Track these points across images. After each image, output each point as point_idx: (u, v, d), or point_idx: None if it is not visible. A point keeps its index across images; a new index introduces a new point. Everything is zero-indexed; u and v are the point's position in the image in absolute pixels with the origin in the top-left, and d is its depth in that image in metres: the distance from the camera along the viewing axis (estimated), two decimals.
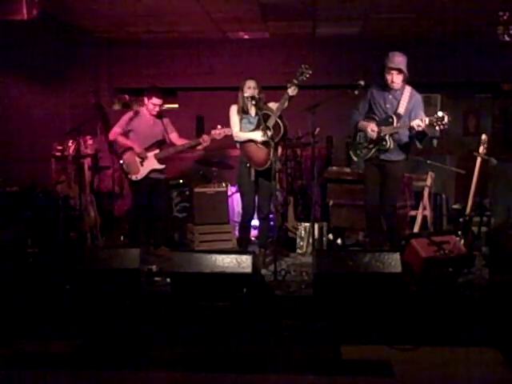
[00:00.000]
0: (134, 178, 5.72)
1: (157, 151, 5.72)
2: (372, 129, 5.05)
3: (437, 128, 4.68)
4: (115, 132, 5.72)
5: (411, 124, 4.80)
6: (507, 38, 5.84)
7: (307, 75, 4.95)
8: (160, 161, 5.73)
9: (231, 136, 5.37)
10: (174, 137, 5.82)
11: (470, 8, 6.48)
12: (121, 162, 5.79)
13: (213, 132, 5.43)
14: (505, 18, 5.71)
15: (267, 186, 5.24)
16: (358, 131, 5.23)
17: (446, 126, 4.62)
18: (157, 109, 5.67)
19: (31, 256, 5.16)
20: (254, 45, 8.24)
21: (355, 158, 5.33)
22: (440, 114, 4.61)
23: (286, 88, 5.01)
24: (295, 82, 4.95)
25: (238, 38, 8.15)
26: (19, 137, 6.45)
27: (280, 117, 5.10)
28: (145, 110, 5.74)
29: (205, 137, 5.52)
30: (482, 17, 6.57)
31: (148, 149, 5.70)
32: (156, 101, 5.63)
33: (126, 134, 5.72)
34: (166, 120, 5.83)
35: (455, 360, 3.62)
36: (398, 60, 4.93)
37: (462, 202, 6.06)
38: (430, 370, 3.49)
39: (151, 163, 5.70)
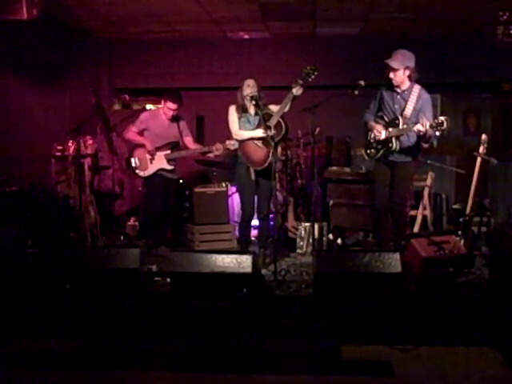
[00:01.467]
0: (141, 173, 5.81)
1: (168, 152, 5.78)
2: (378, 130, 5.07)
3: (437, 133, 4.68)
4: (131, 130, 5.81)
5: (413, 128, 4.80)
6: (507, 38, 5.84)
7: (313, 76, 4.91)
8: (170, 161, 5.79)
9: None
10: (188, 140, 5.89)
11: (469, 8, 6.48)
12: (131, 158, 5.84)
13: (227, 142, 5.44)
14: (505, 17, 5.71)
15: (266, 185, 5.24)
16: (368, 131, 5.25)
17: (445, 132, 4.62)
18: (171, 113, 5.72)
19: (31, 256, 5.15)
20: (254, 45, 8.25)
21: (366, 157, 5.34)
22: (440, 119, 4.60)
23: (287, 88, 5.00)
24: (300, 82, 4.94)
25: (238, 37, 8.15)
26: (19, 137, 6.45)
27: (282, 117, 5.10)
28: (161, 111, 5.80)
29: (218, 145, 5.55)
30: (482, 17, 6.57)
31: (159, 148, 5.76)
32: (171, 105, 5.67)
33: (140, 132, 5.81)
34: (182, 123, 5.89)
35: (455, 360, 3.61)
36: (395, 57, 4.95)
37: (462, 201, 6.06)
38: (430, 369, 3.48)
39: (160, 162, 5.77)
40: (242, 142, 5.28)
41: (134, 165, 5.82)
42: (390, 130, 5.02)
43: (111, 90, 8.67)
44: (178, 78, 8.32)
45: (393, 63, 4.94)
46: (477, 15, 6.72)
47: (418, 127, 4.72)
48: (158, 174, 5.78)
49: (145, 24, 7.36)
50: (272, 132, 5.01)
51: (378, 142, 5.12)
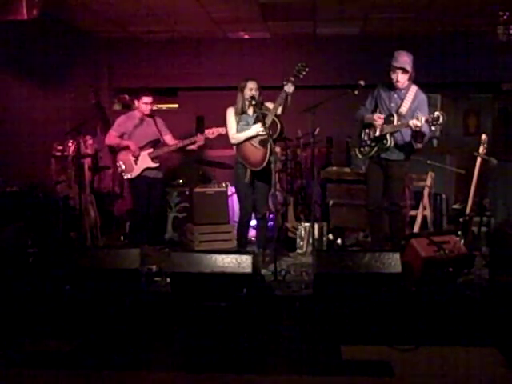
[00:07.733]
0: (128, 176, 5.85)
1: (150, 150, 5.84)
2: (378, 116, 5.03)
3: (432, 128, 4.69)
4: (111, 135, 5.90)
5: (409, 123, 4.79)
6: (507, 38, 5.85)
7: (304, 73, 4.92)
8: (154, 159, 5.84)
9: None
10: (168, 138, 5.96)
11: (469, 8, 6.48)
12: (117, 163, 5.93)
13: (206, 131, 5.60)
14: (505, 17, 5.72)
15: (264, 186, 5.23)
16: (363, 127, 5.23)
17: (441, 126, 4.61)
18: (149, 107, 5.82)
19: (31, 256, 5.15)
20: (254, 45, 8.25)
21: (359, 156, 5.33)
22: (436, 113, 4.61)
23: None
24: (292, 79, 4.94)
25: (238, 37, 8.15)
26: (19, 137, 6.44)
27: (277, 116, 5.09)
28: (137, 112, 5.88)
29: (199, 136, 5.70)
30: (482, 17, 6.57)
31: (142, 148, 5.82)
32: (146, 99, 5.78)
33: (121, 136, 5.88)
34: (159, 121, 5.97)
35: (455, 360, 3.62)
36: (403, 59, 4.93)
37: (462, 201, 6.06)
38: (430, 370, 3.49)
39: (145, 162, 5.82)
40: (239, 143, 5.27)
41: (120, 168, 5.88)
42: (385, 126, 5.01)
43: (111, 90, 8.67)
44: (178, 77, 8.33)
45: (406, 65, 4.91)
46: (477, 15, 6.72)
47: (415, 122, 4.70)
48: (143, 175, 5.81)
49: (145, 24, 7.36)
50: (268, 130, 5.00)
51: (372, 139, 5.11)
